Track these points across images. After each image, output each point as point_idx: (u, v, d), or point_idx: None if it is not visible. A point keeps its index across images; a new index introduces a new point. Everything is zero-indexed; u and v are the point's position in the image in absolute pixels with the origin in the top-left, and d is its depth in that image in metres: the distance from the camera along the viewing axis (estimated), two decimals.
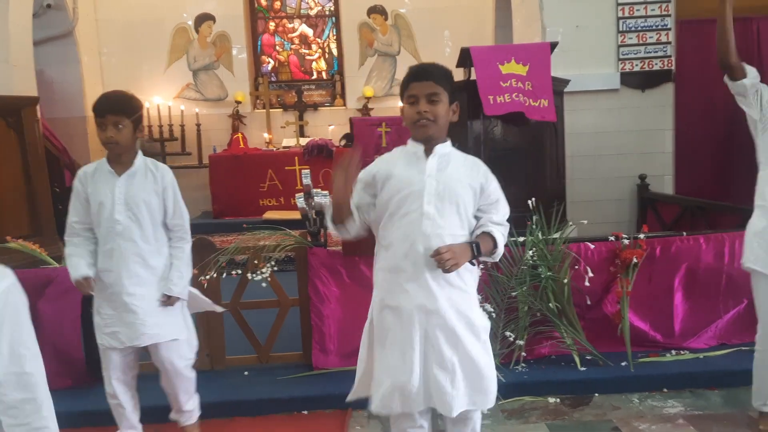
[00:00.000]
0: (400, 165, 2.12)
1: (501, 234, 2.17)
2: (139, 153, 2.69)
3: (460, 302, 2.12)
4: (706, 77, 6.16)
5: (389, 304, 2.13)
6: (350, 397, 2.34)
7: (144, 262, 2.62)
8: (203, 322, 3.51)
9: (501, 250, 2.18)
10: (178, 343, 2.73)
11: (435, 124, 2.07)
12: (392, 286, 2.13)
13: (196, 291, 2.99)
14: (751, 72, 2.75)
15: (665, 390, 3.30)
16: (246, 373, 3.54)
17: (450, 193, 2.07)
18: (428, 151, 2.11)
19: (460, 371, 2.10)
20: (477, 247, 2.08)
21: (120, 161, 2.63)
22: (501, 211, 2.21)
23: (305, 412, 3.22)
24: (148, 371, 2.94)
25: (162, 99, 8.45)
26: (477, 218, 2.18)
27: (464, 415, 2.18)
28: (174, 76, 8.73)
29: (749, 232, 2.84)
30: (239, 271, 3.51)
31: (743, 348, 3.52)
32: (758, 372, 2.87)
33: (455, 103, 2.15)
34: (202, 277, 3.45)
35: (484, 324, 2.20)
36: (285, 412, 3.23)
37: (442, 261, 1.98)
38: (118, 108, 2.54)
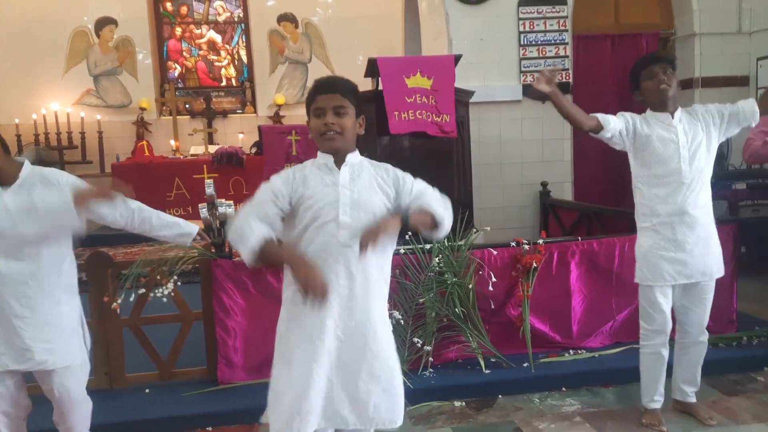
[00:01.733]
0: (313, 177, 2.08)
1: (441, 206, 2.11)
2: (26, 163, 2.47)
3: (377, 314, 2.09)
4: (599, 90, 6.51)
5: (300, 318, 2.07)
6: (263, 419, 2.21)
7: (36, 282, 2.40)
8: (100, 338, 3.37)
9: (446, 223, 2.11)
10: (72, 368, 2.50)
11: (342, 136, 2.06)
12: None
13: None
14: (608, 123, 2.89)
15: (564, 389, 3.44)
16: (147, 390, 3.42)
17: (365, 203, 2.06)
18: (339, 162, 2.09)
19: (369, 388, 2.06)
20: (406, 217, 2.03)
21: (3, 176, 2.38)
22: (432, 194, 2.16)
23: (210, 429, 3.14)
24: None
25: (60, 105, 8.08)
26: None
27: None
28: (73, 81, 8.38)
29: (637, 253, 3.04)
30: (143, 290, 3.38)
31: (635, 346, 3.69)
32: (642, 370, 3.07)
33: (361, 117, 2.14)
34: (115, 303, 3.34)
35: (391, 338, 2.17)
36: (188, 429, 3.13)
37: (368, 244, 1.93)
38: None
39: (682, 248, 2.89)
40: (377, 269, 2.09)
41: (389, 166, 2.20)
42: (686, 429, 3.00)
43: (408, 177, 2.18)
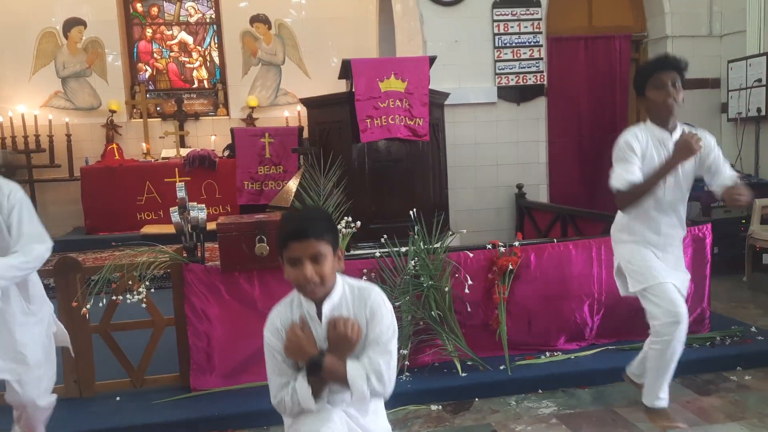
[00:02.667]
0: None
1: (360, 372, 1.93)
2: None
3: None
4: (573, 92, 6.57)
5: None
6: None
7: None
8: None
9: (354, 388, 1.94)
10: (38, 378, 2.52)
11: (323, 285, 1.92)
12: None
13: (61, 326, 2.80)
14: (637, 177, 2.78)
15: (540, 391, 3.43)
16: (118, 398, 3.34)
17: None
18: (320, 310, 1.98)
19: None
20: (320, 358, 1.92)
21: None
22: (377, 358, 1.95)
23: None
24: None
25: (27, 107, 7.89)
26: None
27: None
28: (40, 83, 8.19)
29: (621, 266, 3.05)
30: (115, 297, 3.30)
31: (609, 347, 3.75)
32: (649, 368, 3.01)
33: (340, 250, 1.98)
34: (84, 308, 3.26)
35: None
36: None
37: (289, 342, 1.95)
38: None
39: (656, 253, 2.93)
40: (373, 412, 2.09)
41: (370, 298, 1.99)
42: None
43: (376, 316, 1.97)
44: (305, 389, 1.92)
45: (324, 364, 1.91)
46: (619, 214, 3.02)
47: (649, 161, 2.81)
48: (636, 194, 2.75)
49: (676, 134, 2.82)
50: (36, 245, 2.39)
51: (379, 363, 1.94)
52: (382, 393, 1.97)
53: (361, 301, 1.99)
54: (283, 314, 2.01)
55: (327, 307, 1.97)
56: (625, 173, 2.76)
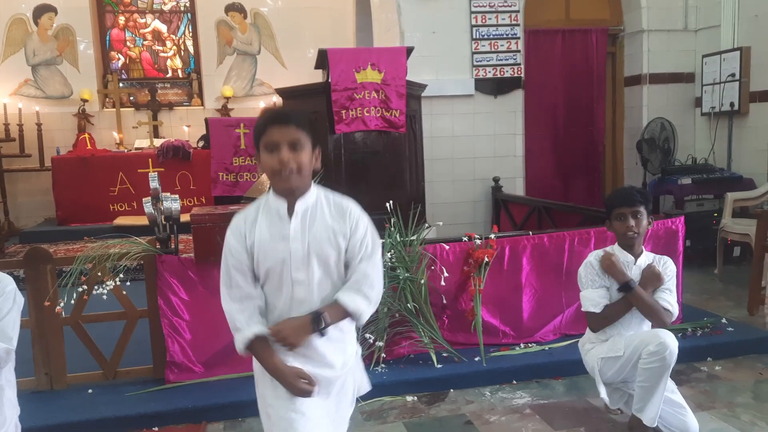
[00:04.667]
0: (263, 229, 1.90)
1: (355, 299, 1.92)
2: None
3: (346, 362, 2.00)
4: (550, 85, 6.60)
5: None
6: None
7: None
8: (40, 338, 3.23)
9: (363, 316, 1.94)
10: None
11: (299, 175, 1.84)
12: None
13: None
14: (602, 299, 2.85)
15: (514, 382, 3.46)
16: (90, 391, 3.29)
17: (318, 254, 1.89)
18: (292, 206, 1.89)
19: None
20: (318, 318, 1.88)
21: None
22: (365, 273, 1.95)
23: (156, 429, 3.04)
24: None
25: None
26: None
27: None
28: (10, 71, 8.00)
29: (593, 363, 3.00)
30: (85, 287, 3.24)
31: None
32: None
33: (318, 149, 1.93)
34: (58, 307, 3.22)
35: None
36: (134, 429, 3.02)
37: (280, 341, 1.88)
38: None
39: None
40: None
41: (348, 210, 1.95)
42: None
43: (359, 233, 1.93)
44: (242, 342, 1.89)
45: (326, 320, 1.88)
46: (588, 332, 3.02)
47: (615, 289, 2.86)
48: (608, 318, 2.85)
49: (642, 260, 2.87)
50: None
51: (371, 273, 1.94)
52: (377, 300, 1.97)
53: (339, 212, 1.93)
54: (250, 215, 1.93)
55: (300, 205, 1.89)
56: (597, 297, 2.85)
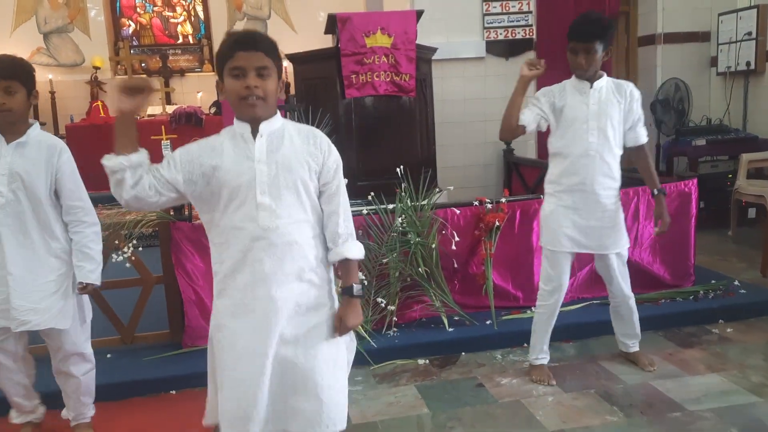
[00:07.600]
0: (227, 151, 1.83)
1: (354, 250, 1.93)
2: (36, 124, 2.48)
3: (313, 301, 1.90)
4: (562, 46, 6.44)
5: (233, 313, 1.87)
6: (205, 422, 2.07)
7: (28, 241, 2.39)
8: None
9: (361, 252, 1.97)
10: (66, 332, 2.53)
11: (265, 102, 1.80)
12: (233, 292, 1.87)
13: None
14: (525, 118, 2.91)
15: (525, 345, 3.47)
16: (109, 356, 3.36)
17: (286, 178, 1.82)
18: (256, 131, 1.83)
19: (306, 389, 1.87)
20: (350, 289, 1.92)
21: (11, 130, 2.39)
22: (341, 207, 1.93)
23: (173, 392, 3.12)
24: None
25: None
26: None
27: None
28: (22, 39, 8.02)
29: (541, 217, 3.11)
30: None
31: (594, 302, 3.81)
32: (534, 329, 3.17)
33: (282, 80, 1.87)
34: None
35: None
36: (152, 393, 3.11)
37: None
38: (10, 72, 2.35)
39: (579, 218, 2.92)
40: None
41: (318, 136, 1.91)
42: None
43: (332, 158, 1.91)
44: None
45: (356, 283, 1.94)
46: (551, 165, 3.03)
47: (570, 110, 2.91)
48: (504, 117, 2.92)
49: (602, 83, 2.90)
50: (88, 228, 2.59)
51: (347, 206, 1.97)
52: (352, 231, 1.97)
53: (310, 136, 1.90)
54: (213, 137, 1.89)
55: (265, 127, 1.84)
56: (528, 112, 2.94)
